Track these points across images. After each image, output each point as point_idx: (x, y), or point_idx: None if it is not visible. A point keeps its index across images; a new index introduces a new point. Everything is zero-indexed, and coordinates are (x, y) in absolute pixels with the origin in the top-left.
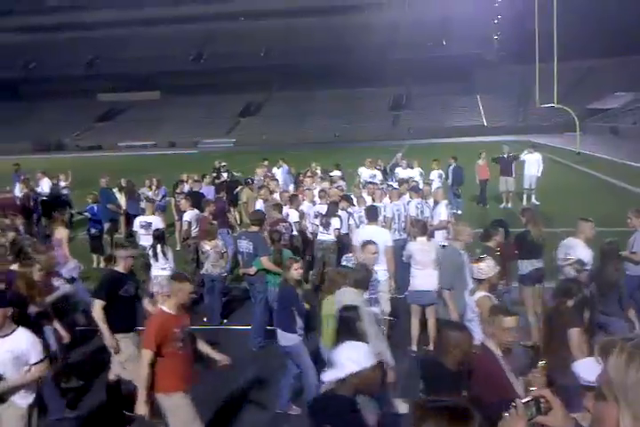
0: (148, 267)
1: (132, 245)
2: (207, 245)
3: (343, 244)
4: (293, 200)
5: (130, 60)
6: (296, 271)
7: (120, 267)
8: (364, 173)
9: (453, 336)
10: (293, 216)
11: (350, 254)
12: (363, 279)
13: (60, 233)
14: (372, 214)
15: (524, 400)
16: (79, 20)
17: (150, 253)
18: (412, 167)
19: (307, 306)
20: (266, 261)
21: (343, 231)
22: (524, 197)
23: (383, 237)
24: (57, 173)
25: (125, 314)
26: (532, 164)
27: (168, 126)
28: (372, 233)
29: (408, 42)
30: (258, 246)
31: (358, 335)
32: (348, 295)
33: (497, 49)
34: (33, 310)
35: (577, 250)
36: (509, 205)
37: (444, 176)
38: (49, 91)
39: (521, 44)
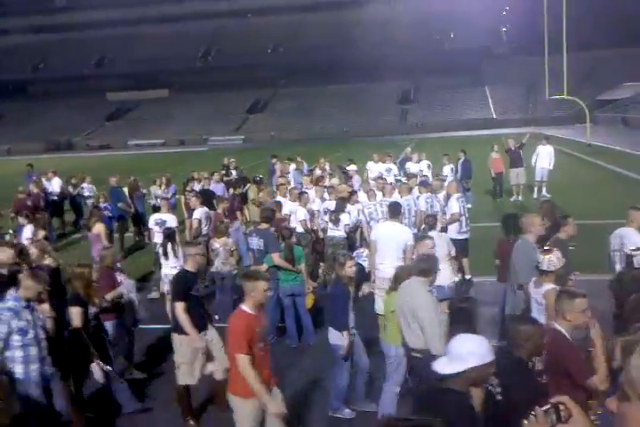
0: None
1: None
2: (217, 243)
3: (353, 240)
4: (301, 197)
5: (138, 58)
6: (350, 269)
7: (189, 265)
8: (373, 167)
9: (525, 330)
10: (300, 214)
11: (362, 250)
12: (429, 268)
13: (98, 228)
14: (395, 210)
15: (543, 408)
16: (86, 20)
17: (161, 251)
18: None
19: (309, 304)
20: (277, 258)
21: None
22: (535, 189)
23: (404, 235)
24: (82, 175)
25: (197, 314)
26: (544, 156)
27: (177, 124)
28: (393, 230)
29: (415, 35)
30: (268, 243)
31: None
32: (414, 285)
33: (505, 41)
34: (92, 310)
35: (632, 239)
36: (520, 197)
37: (455, 170)
38: (58, 91)
39: (529, 35)
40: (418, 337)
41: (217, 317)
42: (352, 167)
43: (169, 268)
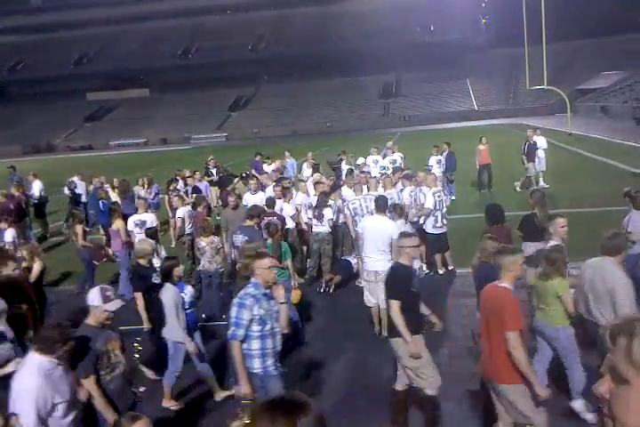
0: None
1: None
2: (203, 242)
3: (337, 234)
4: (286, 193)
5: (117, 57)
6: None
7: (404, 258)
8: (359, 161)
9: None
10: (287, 209)
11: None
12: (616, 247)
13: (117, 224)
14: (382, 204)
15: None
16: (63, 20)
17: None
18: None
19: (296, 299)
20: None
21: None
22: (533, 180)
23: (390, 229)
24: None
25: (415, 312)
26: (542, 146)
27: (159, 123)
28: (379, 224)
29: (396, 29)
30: (253, 240)
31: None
32: (607, 264)
33: (485, 33)
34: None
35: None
36: (545, 184)
37: (442, 162)
38: (37, 92)
39: (509, 27)
40: (609, 314)
41: (204, 315)
42: (361, 160)
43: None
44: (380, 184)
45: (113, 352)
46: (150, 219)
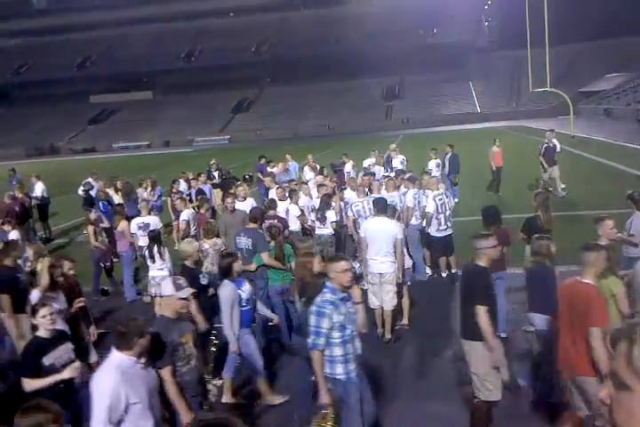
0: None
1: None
2: (206, 244)
3: (340, 236)
4: (293, 195)
5: (120, 60)
6: (554, 250)
7: (483, 261)
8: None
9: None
10: (293, 211)
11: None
12: None
13: (122, 226)
14: (382, 206)
15: None
16: (67, 23)
17: (147, 254)
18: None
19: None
20: (266, 258)
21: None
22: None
23: (393, 229)
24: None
25: (494, 315)
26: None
27: (162, 126)
28: (382, 225)
29: (399, 31)
30: (257, 243)
31: None
32: None
33: (488, 35)
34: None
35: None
36: (564, 187)
37: (441, 165)
38: (40, 95)
39: (512, 29)
40: None
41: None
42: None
43: (155, 270)
44: (383, 187)
45: (187, 345)
46: (154, 221)
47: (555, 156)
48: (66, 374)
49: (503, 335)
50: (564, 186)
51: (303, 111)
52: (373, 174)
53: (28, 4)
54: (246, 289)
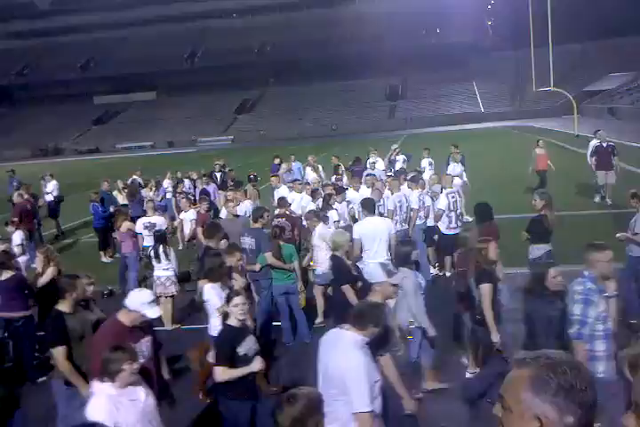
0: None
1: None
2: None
3: None
4: (315, 194)
5: (123, 61)
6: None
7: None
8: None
9: None
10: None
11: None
12: None
13: (126, 226)
14: (371, 206)
15: None
16: (71, 24)
17: (152, 253)
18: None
19: (303, 302)
20: (270, 257)
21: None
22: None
23: (386, 225)
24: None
25: None
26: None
27: (165, 126)
28: (375, 224)
29: (402, 31)
30: (260, 242)
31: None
32: None
33: (491, 35)
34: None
35: None
36: (609, 200)
37: (433, 164)
38: (44, 96)
39: (515, 29)
40: None
41: None
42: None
43: (161, 270)
44: (387, 187)
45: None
46: (159, 221)
47: (612, 158)
48: (256, 365)
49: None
50: (609, 201)
51: (306, 111)
52: (374, 175)
53: (31, 5)
54: (422, 278)
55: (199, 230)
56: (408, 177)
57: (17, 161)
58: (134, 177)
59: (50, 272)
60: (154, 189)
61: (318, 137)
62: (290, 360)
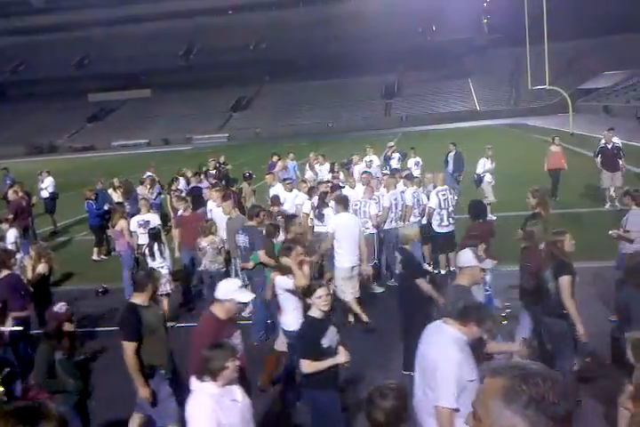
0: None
1: None
2: (204, 242)
3: None
4: (312, 192)
5: (118, 58)
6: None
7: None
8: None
9: None
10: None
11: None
12: None
13: (120, 224)
14: (345, 202)
15: None
16: (66, 21)
17: (147, 251)
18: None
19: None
20: (263, 255)
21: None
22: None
23: (358, 223)
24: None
25: None
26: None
27: (160, 124)
28: (350, 221)
29: (398, 29)
30: (254, 240)
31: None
32: None
33: (487, 33)
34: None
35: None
36: (618, 204)
37: (420, 164)
38: (38, 93)
39: (510, 26)
40: None
41: None
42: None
43: (155, 267)
44: (382, 185)
45: None
46: (154, 219)
47: (619, 159)
48: (341, 357)
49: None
50: (617, 205)
51: (302, 109)
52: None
53: (25, 2)
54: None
55: (175, 232)
56: (402, 175)
57: (11, 159)
58: (148, 173)
59: (41, 269)
60: (148, 186)
61: (314, 135)
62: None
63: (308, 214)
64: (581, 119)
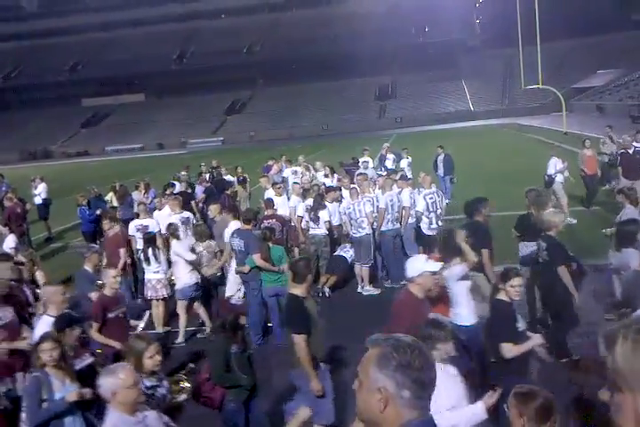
0: None
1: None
2: (200, 246)
3: (333, 236)
4: (306, 194)
5: (112, 63)
6: None
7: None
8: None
9: None
10: (300, 210)
11: (348, 245)
12: None
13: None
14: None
15: None
16: (58, 26)
17: (142, 256)
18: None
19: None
20: (258, 259)
21: (335, 223)
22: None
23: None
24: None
25: None
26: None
27: (155, 128)
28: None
29: (390, 30)
30: (249, 244)
31: None
32: None
33: (479, 33)
34: None
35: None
36: None
37: (411, 164)
38: (32, 98)
39: (503, 27)
40: None
41: (202, 320)
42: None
43: (151, 273)
44: (378, 186)
45: None
46: (151, 223)
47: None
48: (537, 340)
49: None
50: None
51: (297, 112)
52: (365, 174)
53: (19, 7)
54: None
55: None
56: (398, 176)
57: (5, 165)
58: (183, 173)
59: (41, 276)
60: (143, 191)
61: (308, 137)
62: (281, 360)
63: (301, 217)
64: (575, 118)
